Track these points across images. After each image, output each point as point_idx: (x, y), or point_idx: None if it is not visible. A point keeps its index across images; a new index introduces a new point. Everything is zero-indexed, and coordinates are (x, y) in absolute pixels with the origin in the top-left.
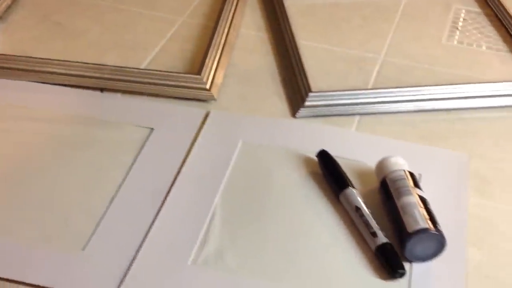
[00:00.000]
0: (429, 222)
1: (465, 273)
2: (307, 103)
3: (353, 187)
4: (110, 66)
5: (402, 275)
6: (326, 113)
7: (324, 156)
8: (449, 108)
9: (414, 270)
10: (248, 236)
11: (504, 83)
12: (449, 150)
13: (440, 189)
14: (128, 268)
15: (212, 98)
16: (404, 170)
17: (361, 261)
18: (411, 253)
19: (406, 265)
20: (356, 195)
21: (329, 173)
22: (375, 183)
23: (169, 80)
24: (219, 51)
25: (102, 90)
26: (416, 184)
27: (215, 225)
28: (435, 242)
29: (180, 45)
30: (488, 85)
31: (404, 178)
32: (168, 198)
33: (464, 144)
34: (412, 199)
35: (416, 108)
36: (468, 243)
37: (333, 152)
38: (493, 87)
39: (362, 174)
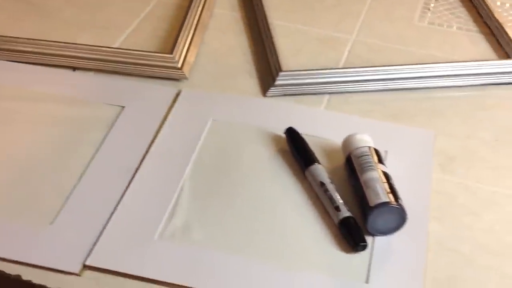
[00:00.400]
0: (391, 196)
1: (427, 246)
2: (277, 82)
3: (319, 163)
4: (83, 45)
5: (364, 248)
6: (296, 92)
7: (291, 133)
8: (418, 87)
9: (376, 243)
10: (215, 210)
11: (472, 62)
12: (416, 127)
13: (405, 166)
14: (95, 243)
15: (183, 77)
16: (369, 147)
17: (325, 235)
18: (373, 227)
19: (369, 239)
20: (322, 171)
21: (296, 150)
22: (341, 160)
23: (142, 59)
24: (192, 31)
25: (74, 69)
26: (380, 160)
27: (183, 199)
28: (396, 216)
29: (154, 24)
30: (456, 64)
31: (368, 154)
32: (137, 175)
33: (431, 122)
34: (375, 174)
35: (385, 87)
36: (430, 217)
37: (302, 130)
38: (461, 66)
39: (330, 152)
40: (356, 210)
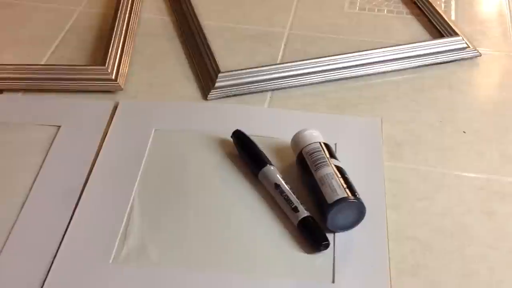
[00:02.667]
0: (347, 190)
1: (386, 236)
2: (217, 84)
3: (271, 164)
4: (7, 65)
5: (326, 247)
6: (238, 92)
7: (239, 136)
8: (356, 75)
9: (337, 239)
10: (168, 226)
11: (406, 45)
12: (361, 116)
13: (355, 156)
14: (46, 274)
15: (119, 88)
16: (319, 142)
17: (285, 238)
18: (333, 224)
19: (329, 236)
20: (275, 172)
21: (246, 153)
22: (292, 158)
23: (73, 74)
24: (121, 39)
25: (1, 91)
26: (332, 155)
27: (134, 218)
28: (355, 210)
29: (81, 36)
30: (392, 49)
31: (320, 150)
32: (82, 197)
33: (375, 109)
34: (329, 170)
35: (325, 79)
36: (387, 206)
37: (248, 131)
38: (397, 50)
39: (279, 150)
40: (314, 208)
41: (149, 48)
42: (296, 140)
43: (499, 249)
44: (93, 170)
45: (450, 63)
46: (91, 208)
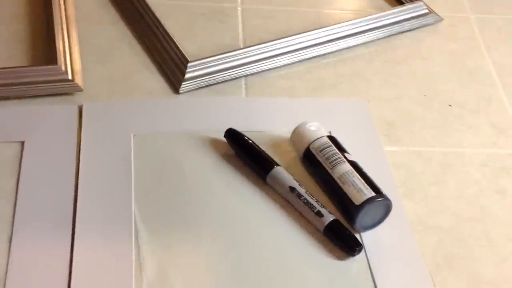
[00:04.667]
0: (372, 188)
1: (411, 228)
2: (188, 75)
3: (278, 164)
4: None
5: (360, 251)
6: (210, 82)
7: (233, 135)
8: (327, 52)
9: (365, 240)
10: (184, 245)
11: (372, 16)
12: (348, 99)
13: (354, 145)
14: None
15: (78, 89)
16: (327, 136)
17: (313, 245)
18: (361, 225)
19: (357, 236)
20: (285, 174)
21: (247, 155)
22: (290, 154)
23: (20, 78)
24: (64, 29)
25: None
26: (342, 148)
27: (144, 242)
28: (383, 208)
29: (10, 28)
30: (358, 21)
31: (331, 145)
32: (77, 227)
33: (356, 88)
34: (347, 167)
35: (297, 59)
36: (401, 196)
37: (233, 126)
38: (363, 22)
39: (272, 145)
40: (334, 209)
41: (94, 36)
42: (299, 135)
43: None
44: (79, 192)
45: (415, 30)
46: (91, 240)
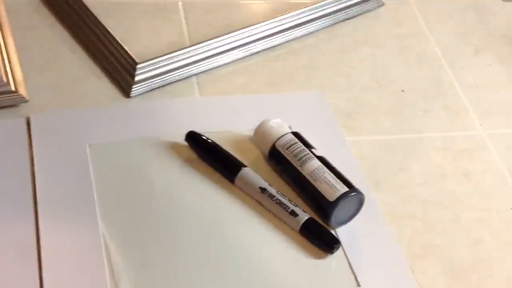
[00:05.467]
0: (345, 183)
1: (384, 220)
2: (137, 78)
3: (244, 165)
4: None
5: (338, 248)
6: (161, 83)
7: (195, 138)
8: (276, 44)
9: (341, 236)
10: (158, 258)
11: (316, 5)
12: (304, 92)
13: (317, 138)
14: None
15: (23, 100)
16: (291, 133)
17: (288, 246)
18: (336, 221)
19: (332, 232)
20: (254, 175)
21: (211, 157)
22: (253, 153)
23: None
24: (0, 36)
25: None
26: (308, 144)
27: (115, 259)
28: (356, 202)
29: None
30: (302, 11)
31: (297, 142)
32: (42, 253)
33: (311, 80)
34: (316, 163)
35: (247, 53)
36: (369, 187)
37: (191, 128)
38: (307, 11)
39: (234, 145)
40: (305, 207)
41: (32, 43)
42: (262, 133)
43: (491, 210)
44: (39, 215)
45: (359, 16)
46: (61, 265)
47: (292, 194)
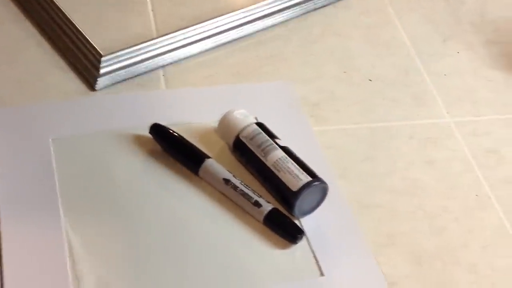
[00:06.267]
0: (308, 173)
1: (350, 209)
2: (102, 70)
3: (208, 156)
4: None
5: (302, 238)
6: (127, 76)
7: (159, 130)
8: (244, 34)
9: (305, 226)
10: (123, 254)
11: None
12: (273, 82)
13: (284, 128)
14: None
15: None
16: (255, 123)
17: (253, 237)
18: (299, 211)
19: (297, 223)
20: (218, 166)
21: (174, 149)
22: (219, 145)
23: None
24: None
25: None
26: (272, 134)
27: (78, 255)
28: (320, 192)
29: None
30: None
31: (261, 132)
32: (4, 249)
33: (278, 70)
34: (279, 153)
35: (214, 44)
36: (336, 177)
37: (156, 121)
38: (278, 1)
39: (199, 137)
40: (269, 197)
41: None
42: (226, 124)
43: (456, 198)
44: (0, 211)
45: (328, 6)
46: (22, 262)
47: (257, 185)
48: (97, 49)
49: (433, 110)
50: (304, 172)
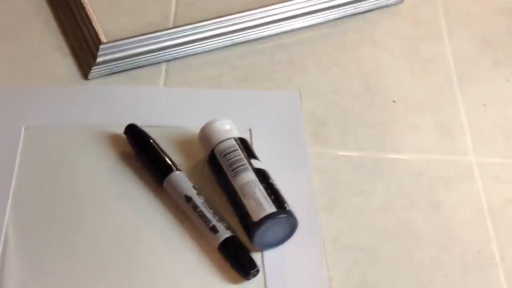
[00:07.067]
0: (275, 203)
1: (323, 248)
2: (99, 59)
3: (178, 169)
4: None
5: (255, 274)
6: (125, 67)
7: (133, 132)
8: (266, 35)
9: (266, 259)
10: (58, 262)
11: None
12: (277, 91)
13: (275, 145)
14: None
15: None
16: (234, 138)
17: (205, 265)
18: (260, 243)
19: (257, 256)
20: (184, 180)
21: (144, 155)
22: (200, 154)
23: None
24: None
25: None
26: (251, 154)
27: (11, 257)
28: (286, 225)
29: None
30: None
31: (237, 150)
32: None
33: (291, 79)
34: (250, 176)
35: (228, 42)
36: (319, 208)
37: (143, 121)
38: (309, 2)
39: (186, 144)
40: (236, 222)
41: (5, 12)
42: (205, 134)
43: (452, 250)
44: None
45: (370, 12)
46: None
47: (228, 207)
48: (99, 34)
49: (457, 144)
50: (271, 201)
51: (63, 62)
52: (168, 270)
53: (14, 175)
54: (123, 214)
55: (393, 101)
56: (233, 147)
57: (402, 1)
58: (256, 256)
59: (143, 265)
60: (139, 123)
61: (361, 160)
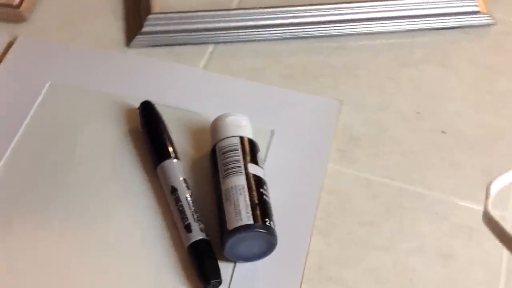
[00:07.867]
0: (255, 215)
1: (302, 274)
2: (145, 29)
3: (176, 157)
4: None
5: (216, 285)
6: (170, 42)
7: (146, 109)
8: (327, 34)
9: (237, 272)
10: (26, 223)
11: (399, 1)
12: (316, 96)
13: (293, 153)
14: None
15: (21, 19)
16: (240, 137)
17: (171, 264)
18: (231, 253)
19: (228, 266)
20: (176, 171)
21: (149, 135)
22: (209, 146)
23: None
24: None
25: None
26: (253, 158)
27: None
28: (262, 241)
29: None
30: (378, 4)
31: (236, 150)
32: None
33: (338, 85)
34: (240, 181)
35: (286, 35)
36: (314, 230)
37: (168, 100)
38: (383, 6)
39: (199, 133)
40: (217, 226)
41: None
42: (214, 127)
43: None
44: None
45: (453, 29)
46: None
47: (212, 207)
48: (151, 4)
49: (497, 196)
50: (250, 212)
51: (114, 25)
52: (132, 257)
53: (22, 128)
54: (110, 191)
55: (443, 131)
56: (233, 146)
57: (494, 23)
58: (226, 266)
59: (109, 246)
60: (162, 102)
61: (381, 188)
